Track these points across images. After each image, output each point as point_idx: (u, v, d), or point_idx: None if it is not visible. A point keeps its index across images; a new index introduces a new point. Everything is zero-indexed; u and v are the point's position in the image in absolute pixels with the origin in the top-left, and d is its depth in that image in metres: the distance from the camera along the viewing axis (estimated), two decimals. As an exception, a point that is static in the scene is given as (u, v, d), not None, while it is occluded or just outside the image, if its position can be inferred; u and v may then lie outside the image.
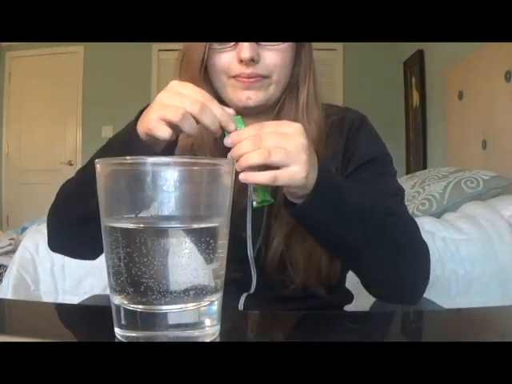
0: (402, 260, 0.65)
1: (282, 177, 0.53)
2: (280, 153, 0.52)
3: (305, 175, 0.54)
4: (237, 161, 0.53)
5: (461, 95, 2.74)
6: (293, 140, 0.54)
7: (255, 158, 0.52)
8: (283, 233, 0.71)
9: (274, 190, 0.59)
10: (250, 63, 0.67)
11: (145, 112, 0.58)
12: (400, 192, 0.75)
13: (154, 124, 0.54)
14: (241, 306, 0.75)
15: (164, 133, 0.53)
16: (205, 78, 0.72)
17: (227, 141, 0.55)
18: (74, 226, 0.66)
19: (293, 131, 0.54)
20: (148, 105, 0.61)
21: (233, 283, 0.65)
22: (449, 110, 2.94)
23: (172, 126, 0.53)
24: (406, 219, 0.70)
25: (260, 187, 0.56)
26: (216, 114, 0.54)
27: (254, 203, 0.58)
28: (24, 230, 2.46)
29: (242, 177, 0.53)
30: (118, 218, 0.40)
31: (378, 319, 0.57)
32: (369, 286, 0.69)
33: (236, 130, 0.55)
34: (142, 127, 0.56)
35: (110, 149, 0.63)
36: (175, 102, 0.53)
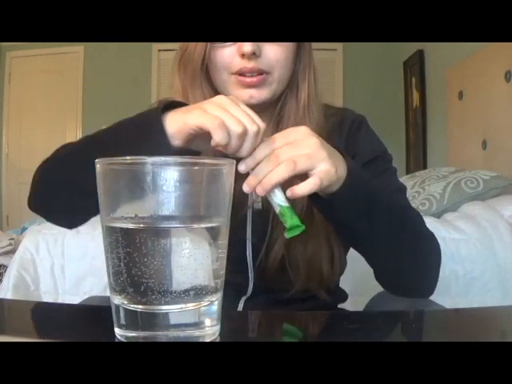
0: (419, 250, 0.66)
1: (322, 177, 0.53)
2: (303, 159, 0.52)
3: (334, 170, 0.54)
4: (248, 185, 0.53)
5: (461, 95, 2.74)
6: (306, 142, 0.53)
7: (282, 173, 0.51)
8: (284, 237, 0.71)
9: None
10: (252, 57, 0.66)
11: (177, 112, 0.55)
12: (403, 188, 0.76)
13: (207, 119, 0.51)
14: (240, 309, 0.75)
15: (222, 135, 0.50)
16: (206, 77, 0.72)
17: (241, 167, 0.53)
18: (70, 194, 0.63)
19: (302, 135, 0.54)
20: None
21: (232, 285, 0.65)
22: (449, 110, 2.94)
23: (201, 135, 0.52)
24: (415, 213, 0.71)
25: (287, 211, 0.54)
26: (254, 141, 0.52)
27: (285, 234, 0.55)
28: (24, 230, 2.46)
29: (289, 193, 0.53)
30: (118, 218, 0.40)
31: (378, 319, 0.57)
32: (384, 278, 0.70)
33: None
34: (183, 122, 0.53)
35: (123, 133, 0.60)
36: (237, 111, 0.52)
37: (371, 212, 0.60)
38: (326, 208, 0.60)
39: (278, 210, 0.54)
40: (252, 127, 0.51)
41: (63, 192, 0.64)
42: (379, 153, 0.77)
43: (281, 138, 0.55)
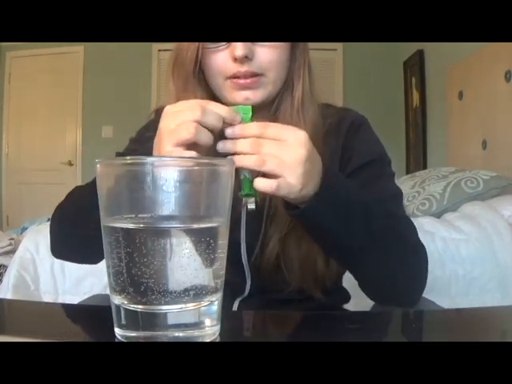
0: (402, 262, 0.65)
1: (282, 186, 0.53)
2: (274, 163, 0.52)
3: (299, 188, 0.53)
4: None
5: (461, 95, 2.74)
6: (292, 151, 0.53)
7: (248, 162, 0.53)
8: (278, 236, 0.71)
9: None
10: (245, 60, 0.66)
11: (155, 147, 0.56)
12: (398, 194, 0.75)
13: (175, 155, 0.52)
14: (235, 310, 0.75)
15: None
16: (200, 80, 0.72)
17: (228, 131, 0.54)
18: (85, 235, 0.64)
19: (294, 141, 0.53)
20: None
21: (227, 286, 0.65)
22: (449, 110, 2.94)
23: (188, 147, 0.52)
24: (405, 222, 0.70)
25: (247, 182, 0.57)
26: (218, 112, 0.53)
27: (239, 192, 0.58)
28: (24, 230, 2.45)
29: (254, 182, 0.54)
30: (118, 218, 0.40)
31: (378, 319, 0.57)
32: (366, 288, 0.69)
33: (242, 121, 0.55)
34: None
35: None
36: (179, 121, 0.52)
37: (347, 223, 0.60)
38: (297, 217, 0.60)
39: (241, 177, 0.57)
40: (194, 113, 0.52)
41: (77, 242, 0.69)
42: (376, 156, 0.76)
43: (275, 128, 0.54)
